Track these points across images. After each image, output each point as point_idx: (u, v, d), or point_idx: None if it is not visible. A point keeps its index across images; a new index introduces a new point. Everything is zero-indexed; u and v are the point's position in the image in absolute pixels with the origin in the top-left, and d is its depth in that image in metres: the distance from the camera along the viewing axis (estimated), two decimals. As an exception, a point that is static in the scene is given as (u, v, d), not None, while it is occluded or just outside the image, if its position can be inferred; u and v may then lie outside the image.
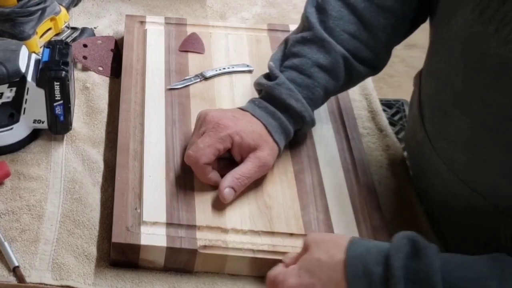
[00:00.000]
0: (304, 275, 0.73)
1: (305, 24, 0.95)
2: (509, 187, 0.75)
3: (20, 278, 0.82)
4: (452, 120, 0.80)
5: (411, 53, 1.70)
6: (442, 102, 0.82)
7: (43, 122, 0.96)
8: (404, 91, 1.39)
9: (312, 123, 0.95)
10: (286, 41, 0.97)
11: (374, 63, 0.96)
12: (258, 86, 0.96)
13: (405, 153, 1.04)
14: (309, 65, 0.92)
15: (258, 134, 0.90)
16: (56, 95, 0.93)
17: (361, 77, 0.98)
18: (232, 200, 0.88)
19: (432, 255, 0.67)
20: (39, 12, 1.08)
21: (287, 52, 0.95)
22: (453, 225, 0.89)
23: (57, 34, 1.14)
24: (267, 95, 0.93)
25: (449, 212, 0.88)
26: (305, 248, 0.76)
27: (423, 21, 0.94)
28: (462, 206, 0.83)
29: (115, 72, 1.10)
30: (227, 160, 0.91)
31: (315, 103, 0.94)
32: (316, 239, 0.75)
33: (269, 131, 0.91)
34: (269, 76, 0.95)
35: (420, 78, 0.94)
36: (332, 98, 1.06)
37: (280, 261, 0.80)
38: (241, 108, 0.94)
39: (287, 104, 0.91)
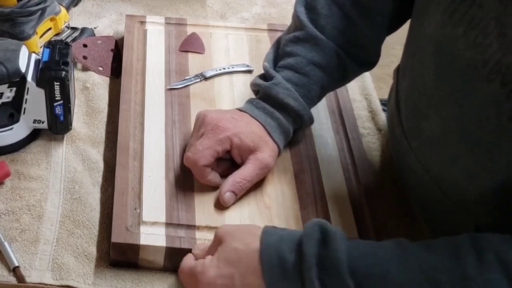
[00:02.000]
0: (222, 265, 0.75)
1: (297, 23, 0.95)
2: (470, 188, 0.76)
3: (20, 278, 0.82)
4: (425, 119, 0.81)
5: (411, 53, 1.69)
6: (416, 101, 0.83)
7: (43, 122, 0.96)
8: (404, 91, 1.38)
9: (311, 121, 0.95)
10: (278, 42, 0.98)
11: (366, 59, 0.97)
12: (255, 87, 0.96)
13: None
14: (304, 63, 0.93)
15: (257, 135, 0.90)
16: (56, 95, 0.93)
17: (355, 73, 0.99)
18: (232, 201, 0.89)
19: (339, 242, 0.70)
20: (39, 12, 1.08)
21: (281, 52, 0.96)
22: (428, 220, 0.90)
23: (57, 34, 1.14)
24: (265, 95, 0.93)
25: (424, 209, 0.90)
26: (219, 240, 0.77)
27: (409, 16, 0.95)
28: (433, 204, 0.85)
29: (115, 72, 1.10)
30: (228, 161, 0.91)
31: (312, 101, 0.95)
32: (230, 230, 0.78)
33: (268, 132, 0.91)
34: (264, 77, 0.95)
35: (397, 73, 0.95)
36: (332, 98, 1.06)
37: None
38: (239, 109, 0.94)
39: (285, 104, 0.91)
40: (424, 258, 0.68)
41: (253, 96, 0.97)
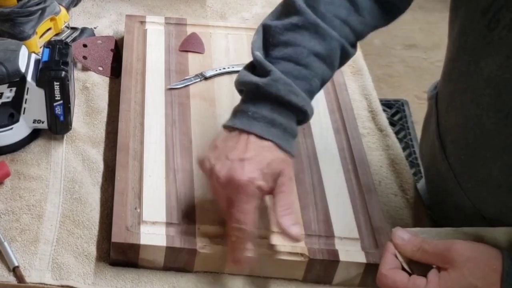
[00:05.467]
0: None
1: (291, 8, 0.86)
2: None
3: (20, 278, 0.82)
4: (484, 161, 0.77)
5: (411, 53, 1.70)
6: (470, 141, 0.79)
7: (43, 122, 0.96)
8: (404, 91, 1.39)
9: (312, 114, 0.86)
10: (265, 28, 0.87)
11: (356, 45, 0.91)
12: (247, 86, 0.84)
13: (404, 154, 1.03)
14: (304, 54, 0.83)
15: (271, 161, 0.80)
16: (56, 95, 0.93)
17: (348, 60, 0.91)
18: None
19: None
20: (39, 12, 1.08)
21: (275, 41, 0.85)
22: None
23: (57, 34, 1.14)
24: (263, 93, 0.82)
25: None
26: (449, 262, 0.66)
27: (408, 6, 0.91)
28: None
29: (115, 72, 1.10)
30: None
31: (313, 95, 0.86)
32: (469, 256, 0.66)
33: (277, 145, 0.81)
34: (254, 68, 0.85)
35: (436, 101, 0.89)
36: (332, 98, 1.06)
37: (281, 261, 0.80)
38: (234, 128, 0.82)
39: (286, 101, 0.81)
40: None
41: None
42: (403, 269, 0.70)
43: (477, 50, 0.76)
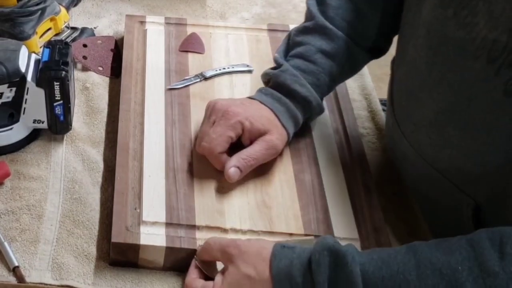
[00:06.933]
0: None
1: (307, 15, 0.98)
2: (469, 166, 0.77)
3: (20, 278, 0.82)
4: (418, 103, 0.82)
5: (411, 53, 1.70)
6: (409, 86, 0.84)
7: (43, 122, 0.96)
8: (404, 91, 1.38)
9: (320, 108, 0.97)
10: (289, 34, 1.00)
11: (375, 49, 0.98)
12: (265, 77, 0.98)
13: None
14: (312, 51, 0.94)
15: (267, 118, 0.91)
16: (56, 95, 0.93)
17: (365, 62, 1.01)
18: (232, 200, 0.89)
19: (351, 262, 0.69)
20: (39, 12, 1.08)
21: (291, 43, 0.98)
22: (424, 207, 0.91)
23: (57, 34, 1.14)
24: (273, 83, 0.95)
25: (419, 194, 0.90)
26: (229, 258, 0.76)
27: None
28: (429, 188, 0.85)
29: (115, 72, 1.10)
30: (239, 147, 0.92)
31: (321, 90, 0.96)
32: (241, 250, 0.75)
33: (277, 116, 0.92)
34: (275, 67, 0.97)
35: (393, 65, 0.96)
36: (332, 98, 1.06)
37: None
38: (249, 97, 0.96)
39: (292, 90, 0.93)
40: (441, 261, 0.67)
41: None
42: (206, 277, 0.80)
43: None
